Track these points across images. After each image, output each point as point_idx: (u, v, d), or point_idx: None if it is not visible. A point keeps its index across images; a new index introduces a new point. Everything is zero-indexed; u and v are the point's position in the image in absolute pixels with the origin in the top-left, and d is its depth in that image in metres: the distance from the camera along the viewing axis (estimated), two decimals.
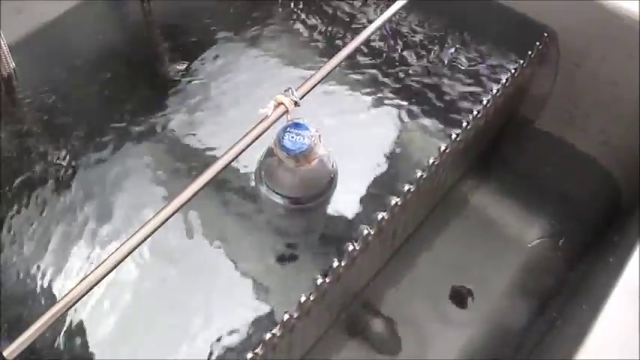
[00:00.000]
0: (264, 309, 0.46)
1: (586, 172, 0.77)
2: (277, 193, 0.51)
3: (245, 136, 0.46)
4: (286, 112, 0.47)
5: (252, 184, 0.53)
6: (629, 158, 0.71)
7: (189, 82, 0.61)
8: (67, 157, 0.54)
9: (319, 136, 0.48)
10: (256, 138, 0.46)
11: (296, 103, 0.47)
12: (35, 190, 0.52)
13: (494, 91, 0.62)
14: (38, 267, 0.48)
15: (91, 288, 0.39)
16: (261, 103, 0.47)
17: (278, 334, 0.46)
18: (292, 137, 0.47)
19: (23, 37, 0.62)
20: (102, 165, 0.54)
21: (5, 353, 0.36)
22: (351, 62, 0.63)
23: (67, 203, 0.51)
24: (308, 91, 0.48)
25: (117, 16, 0.68)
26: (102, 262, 0.39)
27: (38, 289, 0.47)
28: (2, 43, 0.57)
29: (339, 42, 0.65)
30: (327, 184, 0.52)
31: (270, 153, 0.51)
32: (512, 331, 0.71)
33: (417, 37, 0.67)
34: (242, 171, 0.54)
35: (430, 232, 0.76)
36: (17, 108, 0.58)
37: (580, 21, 0.67)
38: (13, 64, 0.59)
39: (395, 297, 0.72)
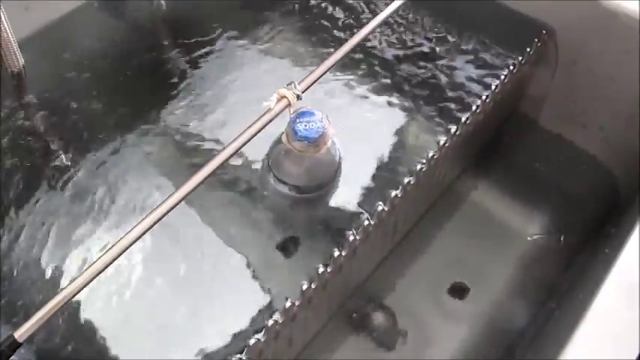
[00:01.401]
0: (267, 296, 0.47)
1: (585, 168, 0.78)
2: (284, 183, 0.52)
3: (248, 128, 0.47)
4: (289, 105, 0.48)
5: (258, 174, 0.54)
6: (628, 154, 0.72)
7: (196, 77, 0.62)
8: (75, 152, 0.55)
9: (327, 116, 0.49)
10: (259, 130, 0.47)
11: (298, 97, 0.48)
12: (43, 185, 0.53)
13: (493, 88, 0.63)
14: (44, 257, 0.49)
15: (98, 273, 0.40)
16: (265, 97, 0.48)
17: (280, 321, 0.47)
18: (305, 125, 0.48)
19: (32, 34, 0.63)
20: (109, 159, 0.55)
21: (16, 335, 0.37)
22: (352, 57, 0.64)
23: (74, 197, 0.53)
24: (310, 85, 0.49)
25: (125, 13, 0.69)
26: (109, 249, 0.40)
27: (44, 279, 0.48)
28: (12, 39, 0.58)
29: (341, 37, 0.66)
30: (333, 172, 0.53)
31: (277, 144, 0.52)
32: (512, 324, 0.72)
33: (417, 35, 0.68)
34: (248, 161, 0.55)
35: (430, 227, 0.77)
36: (27, 103, 0.59)
37: (576, 17, 0.68)
38: (22, 61, 0.60)
39: (396, 290, 0.73)
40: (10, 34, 0.57)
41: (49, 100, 0.59)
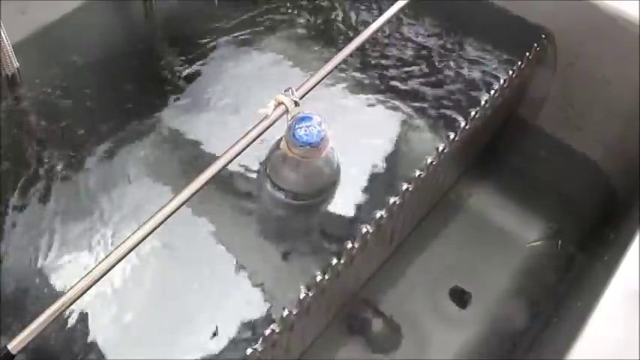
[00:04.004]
0: (264, 305, 0.47)
1: (582, 172, 0.78)
2: (282, 190, 0.52)
3: (246, 135, 0.46)
4: (286, 111, 0.48)
5: (255, 181, 0.54)
6: (625, 157, 0.72)
7: (192, 81, 0.61)
8: (70, 155, 0.55)
9: (324, 119, 0.49)
10: (257, 137, 0.47)
11: (296, 103, 0.48)
12: (38, 189, 0.52)
13: (492, 92, 0.63)
14: (41, 262, 0.48)
15: (94, 283, 0.39)
16: (262, 103, 0.48)
17: (277, 330, 0.46)
18: (305, 131, 0.48)
19: (27, 37, 0.63)
20: (104, 163, 0.55)
21: (10, 347, 0.37)
22: (350, 62, 0.64)
23: (70, 201, 0.52)
24: (308, 91, 0.49)
25: (120, 17, 0.69)
26: (105, 258, 0.40)
27: (41, 285, 0.47)
28: (6, 42, 0.57)
29: (340, 42, 0.66)
30: (332, 178, 0.53)
31: (274, 150, 0.51)
32: (511, 330, 0.72)
33: (417, 39, 0.67)
34: (246, 168, 0.55)
35: (429, 233, 0.77)
36: (21, 107, 0.59)
37: (574, 21, 0.68)
38: (17, 64, 0.60)
39: (394, 296, 0.73)
40: (5, 37, 0.57)
41: (43, 102, 0.59)
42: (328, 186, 0.54)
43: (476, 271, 0.75)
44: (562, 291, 0.69)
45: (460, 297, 0.73)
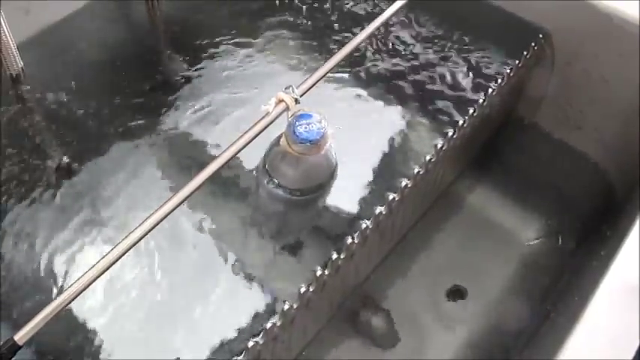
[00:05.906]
0: (266, 299, 0.48)
1: (581, 170, 0.79)
2: (280, 186, 0.53)
3: (247, 131, 0.47)
4: (287, 108, 0.48)
5: (255, 177, 0.55)
6: (623, 155, 0.72)
7: (195, 81, 0.62)
8: (74, 154, 0.56)
9: (324, 116, 0.50)
10: (258, 134, 0.48)
11: (296, 101, 0.49)
12: (41, 187, 0.53)
13: (490, 91, 0.64)
14: (44, 258, 0.49)
15: (98, 276, 0.40)
16: (264, 101, 0.48)
17: (278, 324, 0.47)
18: (305, 128, 0.49)
19: (31, 36, 0.64)
20: (108, 161, 0.55)
21: (16, 337, 0.37)
22: (349, 60, 0.65)
23: (73, 199, 0.53)
24: (308, 89, 0.50)
25: (124, 17, 0.69)
26: (109, 252, 0.41)
27: (44, 282, 0.48)
28: (11, 42, 0.58)
29: (340, 40, 0.67)
30: (329, 173, 0.54)
31: (273, 146, 0.52)
32: (509, 327, 0.72)
33: (415, 38, 0.68)
34: (246, 164, 0.55)
35: (428, 230, 0.77)
36: (25, 106, 0.59)
37: (572, 21, 0.68)
38: (21, 63, 0.60)
39: (393, 293, 0.73)
40: (9, 37, 0.58)
41: (47, 102, 0.59)
42: (325, 182, 0.54)
43: (475, 268, 0.76)
44: (561, 288, 0.69)
45: (459, 294, 0.74)
